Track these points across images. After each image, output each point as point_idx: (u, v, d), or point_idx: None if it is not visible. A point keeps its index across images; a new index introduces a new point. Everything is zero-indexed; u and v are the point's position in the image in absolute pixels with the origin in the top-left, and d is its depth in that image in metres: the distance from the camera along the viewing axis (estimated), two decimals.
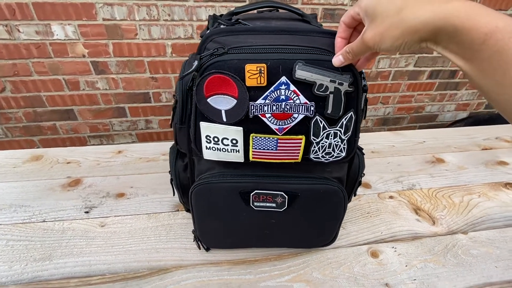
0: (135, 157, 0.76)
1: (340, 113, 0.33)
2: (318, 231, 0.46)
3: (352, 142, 0.37)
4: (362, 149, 0.56)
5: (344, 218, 0.59)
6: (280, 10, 0.47)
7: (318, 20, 1.11)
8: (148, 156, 0.76)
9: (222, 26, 0.37)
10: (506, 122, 1.01)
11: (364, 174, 0.51)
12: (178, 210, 0.60)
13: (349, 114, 0.34)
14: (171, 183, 0.49)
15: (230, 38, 0.33)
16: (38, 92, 1.10)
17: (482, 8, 0.22)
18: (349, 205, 0.63)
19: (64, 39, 1.00)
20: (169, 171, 0.48)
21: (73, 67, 1.06)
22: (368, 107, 1.45)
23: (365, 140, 0.88)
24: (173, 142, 0.48)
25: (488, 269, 0.50)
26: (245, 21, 0.41)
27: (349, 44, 0.29)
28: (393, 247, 0.53)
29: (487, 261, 0.51)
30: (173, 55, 1.09)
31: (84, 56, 1.04)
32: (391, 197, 0.65)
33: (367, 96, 0.40)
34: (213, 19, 0.38)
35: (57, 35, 0.98)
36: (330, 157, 0.37)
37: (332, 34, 0.33)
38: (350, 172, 0.46)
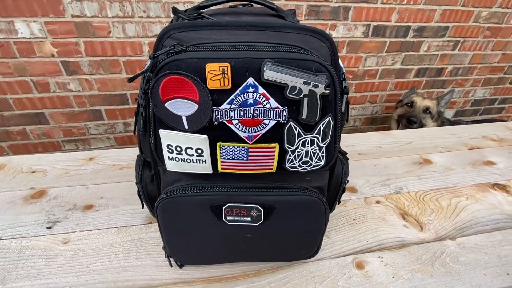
0: (108, 164, 0.71)
1: (317, 118, 0.30)
2: (298, 244, 0.43)
3: (332, 149, 0.33)
4: (346, 153, 0.53)
5: (329, 226, 0.56)
6: (255, 5, 0.43)
7: (303, 17, 1.09)
8: (122, 163, 0.71)
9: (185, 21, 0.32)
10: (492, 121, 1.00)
11: (348, 181, 0.48)
12: (151, 223, 0.55)
13: (327, 119, 0.30)
14: (139, 195, 0.45)
15: (190, 34, 0.29)
16: (4, 95, 1.02)
17: None
18: (335, 211, 0.60)
19: (30, 38, 0.93)
20: (136, 182, 0.44)
21: (42, 68, 0.99)
22: (356, 106, 1.44)
23: (352, 141, 0.85)
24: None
25: (476, 277, 0.47)
26: (214, 16, 0.36)
27: None
28: (379, 256, 0.50)
29: (476, 269, 0.49)
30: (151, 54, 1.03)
31: (53, 55, 0.97)
32: (377, 201, 0.63)
33: (348, 97, 0.37)
34: (174, 12, 0.34)
35: (21, 33, 0.91)
36: (308, 166, 0.34)
37: (307, 29, 0.29)
38: (331, 180, 0.42)
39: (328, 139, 0.32)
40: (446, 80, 1.48)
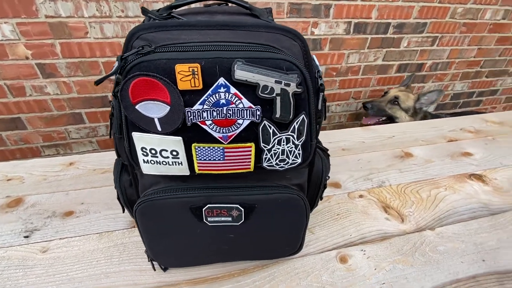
0: (89, 168, 0.69)
1: (291, 117, 0.30)
2: (281, 242, 0.43)
3: (308, 146, 0.34)
4: (327, 150, 0.54)
5: (313, 222, 0.57)
6: (230, 4, 0.43)
7: (285, 15, 1.09)
8: (104, 167, 0.70)
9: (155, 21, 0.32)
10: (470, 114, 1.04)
11: (329, 177, 0.49)
12: (134, 227, 0.54)
13: (301, 117, 0.31)
14: (118, 199, 0.44)
15: (160, 35, 0.28)
16: None
17: None
18: (319, 207, 0.60)
19: (1, 40, 0.89)
20: (115, 187, 0.43)
21: (16, 71, 0.95)
22: (340, 102, 1.46)
23: (336, 137, 0.86)
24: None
25: (454, 265, 0.49)
26: (187, 16, 0.36)
27: None
28: (362, 249, 0.51)
29: (454, 257, 0.51)
30: None
31: (27, 58, 0.94)
32: (361, 196, 0.64)
33: (324, 95, 0.38)
34: (143, 13, 0.33)
35: None
36: (285, 164, 0.34)
37: (278, 28, 0.30)
38: (312, 177, 0.43)
39: (304, 137, 0.32)
40: (426, 75, 1.52)
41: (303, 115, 0.31)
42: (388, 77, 1.46)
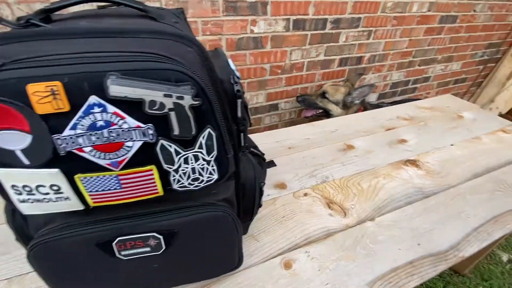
0: None
1: (193, 133, 0.27)
2: (216, 261, 0.40)
3: (224, 161, 0.31)
4: (263, 154, 0.52)
5: (258, 228, 0.55)
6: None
7: (221, 14, 1.05)
8: None
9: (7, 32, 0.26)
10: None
11: (264, 183, 0.47)
12: None
13: (206, 132, 0.27)
14: (17, 241, 0.37)
15: (12, 48, 0.23)
16: None
17: None
18: (264, 212, 0.59)
19: None
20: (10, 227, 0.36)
21: None
22: (289, 99, 1.48)
23: (282, 136, 0.86)
24: None
25: (393, 253, 0.51)
26: (68, 21, 0.31)
27: None
28: (306, 251, 0.51)
29: (392, 245, 0.52)
30: None
31: None
32: (305, 194, 0.64)
33: (244, 100, 0.35)
34: None
35: None
36: (200, 182, 0.31)
37: (167, 34, 0.26)
38: (243, 187, 0.40)
39: (215, 152, 0.29)
40: (366, 67, 1.61)
41: (209, 129, 0.28)
42: (331, 72, 1.51)
